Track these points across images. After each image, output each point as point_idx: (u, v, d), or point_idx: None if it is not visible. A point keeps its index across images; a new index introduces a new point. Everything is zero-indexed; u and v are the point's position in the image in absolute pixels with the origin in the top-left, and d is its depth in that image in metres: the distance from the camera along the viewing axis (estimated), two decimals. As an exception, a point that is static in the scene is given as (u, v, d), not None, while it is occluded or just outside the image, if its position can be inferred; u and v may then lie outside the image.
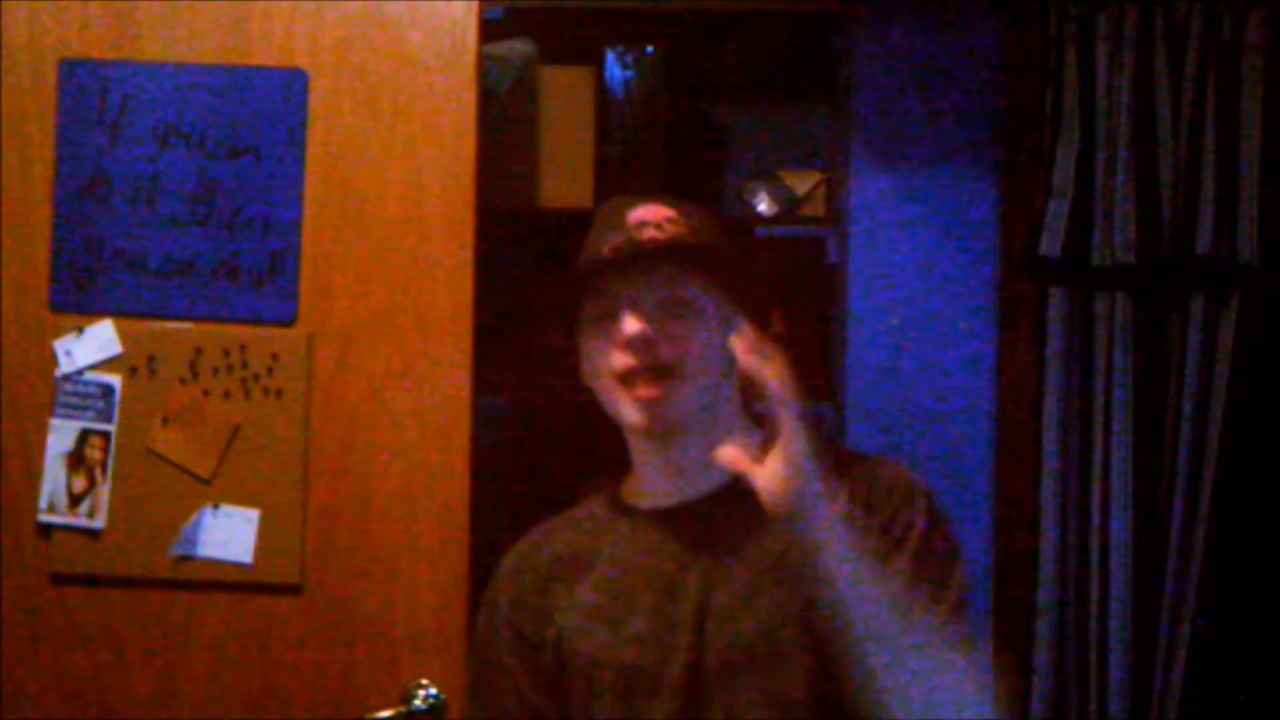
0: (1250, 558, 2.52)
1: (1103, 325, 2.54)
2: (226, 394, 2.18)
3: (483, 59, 2.22)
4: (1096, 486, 2.54)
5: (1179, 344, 2.54)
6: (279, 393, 2.17)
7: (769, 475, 1.28)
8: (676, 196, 1.55)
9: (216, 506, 2.18)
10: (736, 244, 1.57)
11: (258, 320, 2.18)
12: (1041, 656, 2.55)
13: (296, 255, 2.18)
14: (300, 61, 2.19)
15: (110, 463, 2.19)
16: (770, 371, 1.28)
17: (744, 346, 1.28)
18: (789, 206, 2.89)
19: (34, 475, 2.19)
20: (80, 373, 2.19)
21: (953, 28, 2.64)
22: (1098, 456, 2.54)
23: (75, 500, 2.19)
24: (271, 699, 2.17)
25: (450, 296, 2.17)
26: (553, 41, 2.75)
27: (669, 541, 1.50)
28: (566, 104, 2.73)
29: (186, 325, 2.19)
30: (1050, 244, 2.54)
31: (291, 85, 2.18)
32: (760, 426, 1.53)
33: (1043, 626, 2.55)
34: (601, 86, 2.80)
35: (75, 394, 2.19)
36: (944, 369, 2.64)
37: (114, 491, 2.18)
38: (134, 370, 2.19)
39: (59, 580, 2.20)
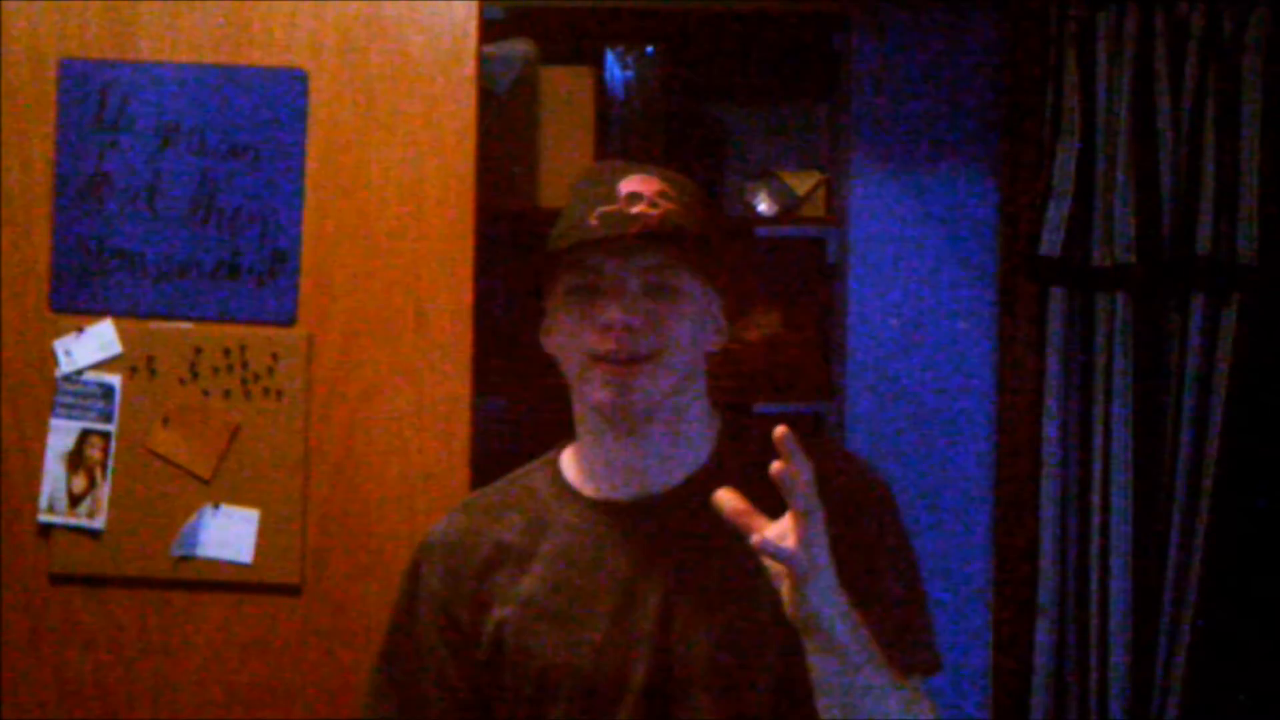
0: (1250, 558, 2.52)
1: (1103, 325, 2.54)
2: (226, 394, 2.18)
3: (483, 59, 2.22)
4: (1096, 486, 2.54)
5: (1179, 344, 2.54)
6: (279, 393, 2.17)
7: (780, 534, 1.23)
8: (660, 167, 1.49)
9: (216, 506, 2.18)
10: (722, 228, 1.52)
11: (258, 320, 2.18)
12: (1041, 656, 2.55)
13: (296, 255, 2.18)
14: (300, 61, 2.19)
15: (110, 463, 2.19)
16: (802, 476, 1.21)
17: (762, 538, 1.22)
18: (789, 206, 2.88)
19: (34, 475, 2.19)
20: (80, 373, 2.19)
21: (953, 28, 2.64)
22: (1098, 456, 2.54)
23: (75, 500, 2.19)
24: (271, 699, 2.17)
25: (450, 296, 2.17)
26: (553, 41, 2.75)
27: (625, 540, 1.44)
28: (566, 104, 2.72)
29: (186, 325, 2.19)
30: (1050, 244, 2.54)
31: (291, 85, 2.18)
32: (723, 418, 1.51)
33: (1043, 626, 2.55)
34: (601, 86, 2.80)
35: (75, 394, 2.19)
36: (944, 369, 2.64)
37: (114, 491, 2.18)
38: (134, 370, 2.19)
39: (59, 580, 2.20)
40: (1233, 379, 2.50)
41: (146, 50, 2.20)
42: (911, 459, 2.63)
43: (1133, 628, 2.52)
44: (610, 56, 2.83)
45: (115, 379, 2.19)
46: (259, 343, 2.18)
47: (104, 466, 2.19)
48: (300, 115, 2.18)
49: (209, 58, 2.19)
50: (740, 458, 1.45)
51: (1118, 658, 2.52)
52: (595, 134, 2.75)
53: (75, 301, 2.20)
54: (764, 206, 2.89)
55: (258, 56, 2.19)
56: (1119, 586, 2.52)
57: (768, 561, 1.25)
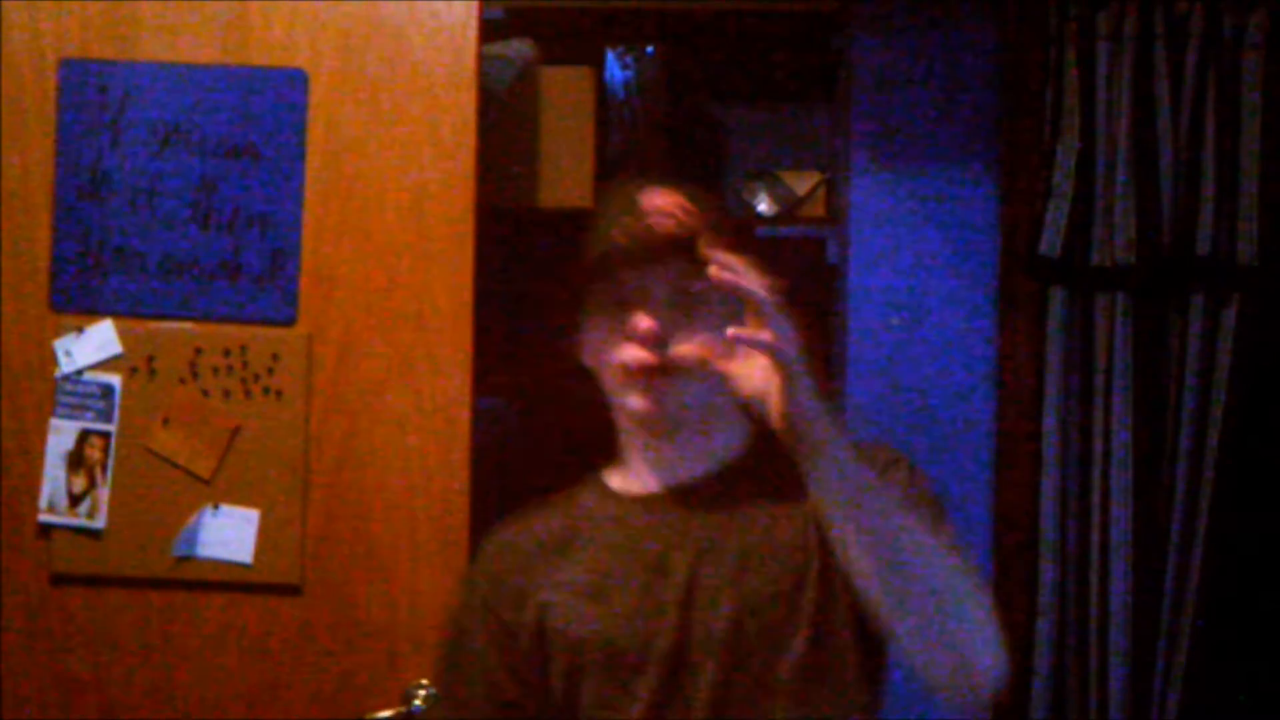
0: (1250, 558, 2.52)
1: (1103, 325, 2.54)
2: (226, 394, 2.18)
3: (483, 59, 2.22)
4: (1096, 486, 2.54)
5: (1179, 344, 2.53)
6: (279, 393, 2.18)
7: (745, 369, 1.31)
8: (684, 184, 1.53)
9: (216, 506, 2.18)
10: (742, 236, 1.56)
11: (258, 320, 2.19)
12: (1041, 656, 2.55)
13: (296, 255, 2.18)
14: (300, 61, 2.19)
15: (110, 463, 2.19)
16: (748, 277, 1.29)
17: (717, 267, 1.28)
18: (789, 206, 2.88)
19: (34, 475, 2.19)
20: (80, 373, 2.19)
21: (953, 27, 2.64)
22: (1098, 456, 2.54)
23: (75, 500, 2.19)
24: (271, 699, 2.17)
25: (450, 296, 2.17)
26: (553, 41, 2.75)
27: (657, 523, 1.51)
28: (566, 104, 2.72)
29: (186, 325, 2.19)
30: (1050, 244, 2.54)
31: (291, 85, 2.18)
32: (754, 422, 1.54)
33: (1043, 626, 2.55)
34: (601, 86, 2.80)
35: (75, 394, 2.19)
36: (944, 369, 2.64)
37: (114, 491, 2.18)
38: (134, 370, 2.19)
39: (59, 580, 2.20)
40: (1233, 379, 2.50)
41: (146, 50, 2.20)
42: (911, 458, 2.62)
43: (1133, 628, 2.52)
44: (610, 56, 2.83)
45: (115, 379, 2.19)
46: (259, 343, 2.18)
47: (104, 466, 2.19)
48: (300, 115, 2.18)
49: (209, 58, 2.19)
50: (772, 450, 1.48)
51: (1118, 658, 2.52)
52: (595, 134, 2.75)
53: (75, 301, 2.20)
54: (764, 206, 2.89)
55: (258, 56, 2.19)
56: (1119, 586, 2.52)
57: (746, 374, 1.29)
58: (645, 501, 1.53)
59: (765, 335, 1.27)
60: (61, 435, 2.19)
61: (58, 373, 2.19)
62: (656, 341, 1.44)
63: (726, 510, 1.48)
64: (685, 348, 1.40)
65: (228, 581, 2.17)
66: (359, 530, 2.18)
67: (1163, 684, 2.53)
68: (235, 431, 2.18)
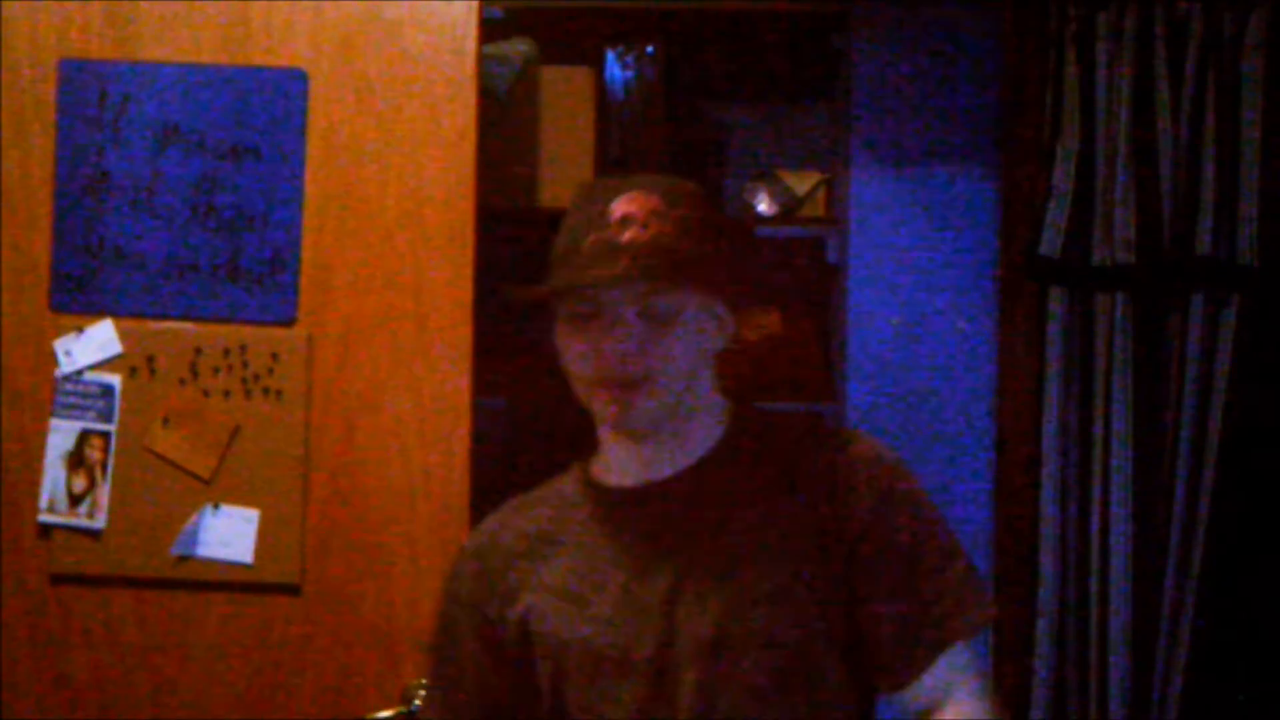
0: (1250, 558, 2.52)
1: (1103, 325, 2.54)
2: (226, 394, 2.18)
3: (483, 59, 2.22)
4: (1096, 486, 2.54)
5: (1179, 344, 2.54)
6: (279, 393, 2.17)
7: None
8: (663, 178, 1.50)
9: (216, 506, 2.18)
10: (721, 233, 1.53)
11: (258, 320, 2.18)
12: (1041, 657, 2.55)
13: (296, 255, 2.18)
14: (300, 61, 2.19)
15: (110, 463, 2.19)
16: None
17: None
18: (789, 206, 2.88)
19: (34, 475, 2.19)
20: (80, 373, 2.19)
21: (953, 28, 2.64)
22: (1097, 456, 2.54)
23: (75, 500, 2.19)
24: (271, 699, 2.17)
25: (450, 296, 2.17)
26: (553, 41, 2.75)
27: (638, 520, 1.49)
28: (566, 104, 2.72)
29: (186, 325, 2.19)
30: (1050, 244, 2.54)
31: (291, 85, 2.18)
32: (734, 407, 1.55)
33: (1043, 626, 2.55)
34: (601, 86, 2.80)
35: (75, 394, 2.19)
36: (944, 369, 2.64)
37: (114, 491, 2.18)
38: (134, 370, 2.19)
39: (59, 580, 2.20)
40: (1233, 379, 2.50)
41: (146, 50, 2.20)
42: (911, 459, 2.61)
43: (1133, 628, 2.52)
44: (610, 56, 2.83)
45: (115, 379, 2.19)
46: (259, 343, 2.18)
47: (104, 466, 2.19)
48: (300, 115, 2.18)
49: (209, 58, 2.19)
50: (746, 444, 1.51)
51: (1118, 658, 2.52)
52: (595, 134, 2.75)
53: (75, 301, 2.20)
54: (764, 206, 2.89)
55: (258, 56, 2.19)
56: (1119, 587, 2.52)
57: None
58: (626, 496, 1.52)
59: None
60: (61, 435, 2.19)
61: (58, 373, 2.19)
62: (623, 358, 1.43)
63: (709, 507, 1.47)
64: None
65: (228, 581, 2.17)
66: (359, 530, 2.18)
67: (1163, 684, 2.53)
68: (235, 431, 2.18)
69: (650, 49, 2.84)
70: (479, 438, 2.20)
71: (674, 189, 1.49)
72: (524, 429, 2.87)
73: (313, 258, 2.18)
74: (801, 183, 2.89)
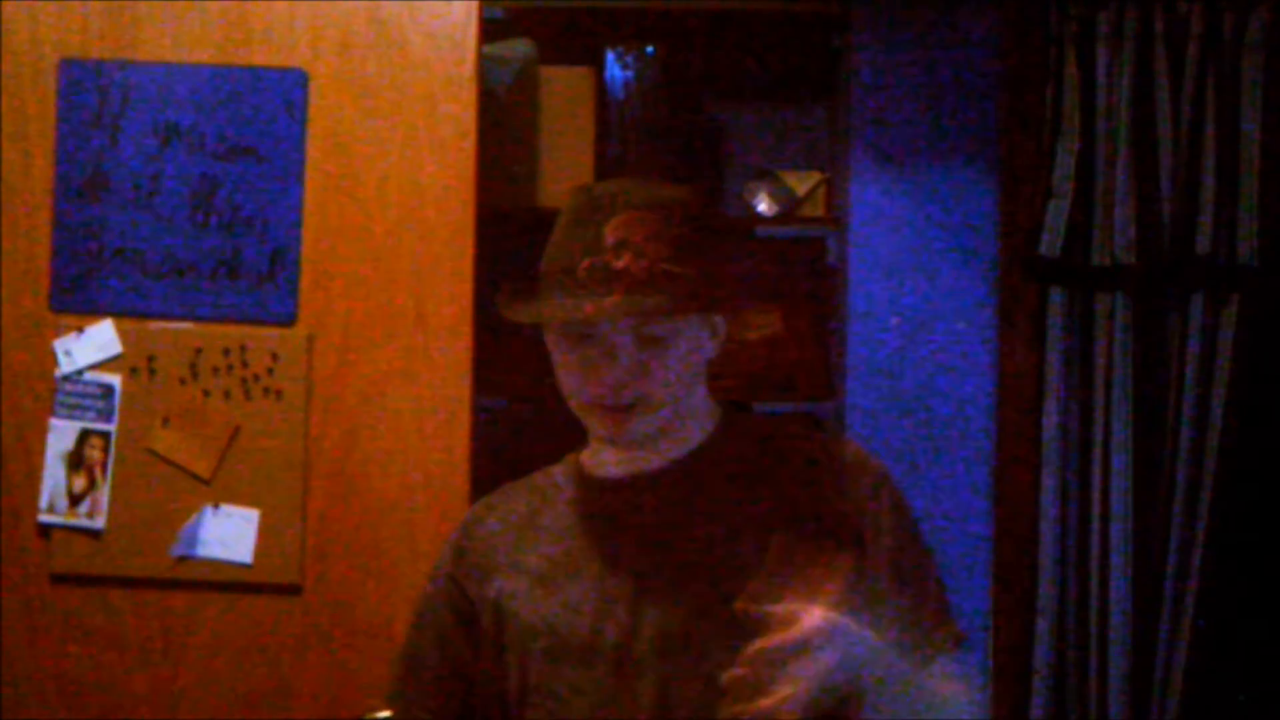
0: (1250, 558, 2.52)
1: (1103, 325, 2.54)
2: (226, 394, 2.18)
3: (483, 59, 2.22)
4: (1096, 486, 2.54)
5: (1179, 344, 2.54)
6: (279, 393, 2.18)
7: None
8: (658, 187, 1.48)
9: (216, 506, 2.18)
10: (719, 243, 1.52)
11: (258, 320, 2.19)
12: (1041, 656, 2.55)
13: (296, 255, 2.18)
14: (300, 61, 2.19)
15: (110, 463, 2.19)
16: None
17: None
18: (789, 206, 2.88)
19: (34, 475, 2.19)
20: (80, 373, 2.19)
21: (953, 28, 2.64)
22: (1098, 456, 2.54)
23: (75, 500, 2.19)
24: (271, 699, 2.17)
25: (450, 296, 2.17)
26: (553, 41, 2.75)
27: (617, 511, 1.51)
28: (566, 104, 2.72)
29: (186, 325, 2.19)
30: (1050, 244, 2.54)
31: (291, 85, 2.18)
32: (722, 409, 1.54)
33: (1043, 626, 2.55)
34: (601, 86, 2.80)
35: (75, 394, 2.19)
36: (944, 369, 2.64)
37: (114, 491, 2.18)
38: (134, 370, 2.19)
39: (59, 580, 2.20)
40: (1233, 379, 2.50)
41: (146, 50, 2.20)
42: (911, 459, 2.63)
43: (1133, 627, 2.52)
44: (610, 56, 2.83)
45: (115, 379, 2.19)
46: (259, 343, 2.18)
47: (104, 466, 2.19)
48: (300, 115, 2.18)
49: (209, 58, 2.19)
50: (733, 444, 1.51)
51: (1118, 658, 2.52)
52: (595, 134, 2.75)
53: (75, 301, 2.20)
54: (764, 206, 2.88)
55: (258, 56, 2.19)
56: (1119, 586, 2.52)
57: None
58: (609, 486, 1.53)
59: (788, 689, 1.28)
60: (61, 435, 2.19)
61: (58, 373, 2.19)
62: (615, 384, 1.43)
63: (688, 502, 1.47)
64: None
65: (228, 581, 2.17)
66: (359, 530, 2.18)
67: (1163, 684, 2.53)
68: (235, 431, 2.18)
69: (650, 49, 2.83)
70: (479, 438, 2.20)
71: (670, 203, 1.46)
72: (524, 429, 2.87)
73: (313, 258, 2.18)
74: (801, 183, 2.89)
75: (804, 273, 2.94)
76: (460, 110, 2.18)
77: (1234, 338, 2.51)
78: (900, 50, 2.65)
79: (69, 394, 2.19)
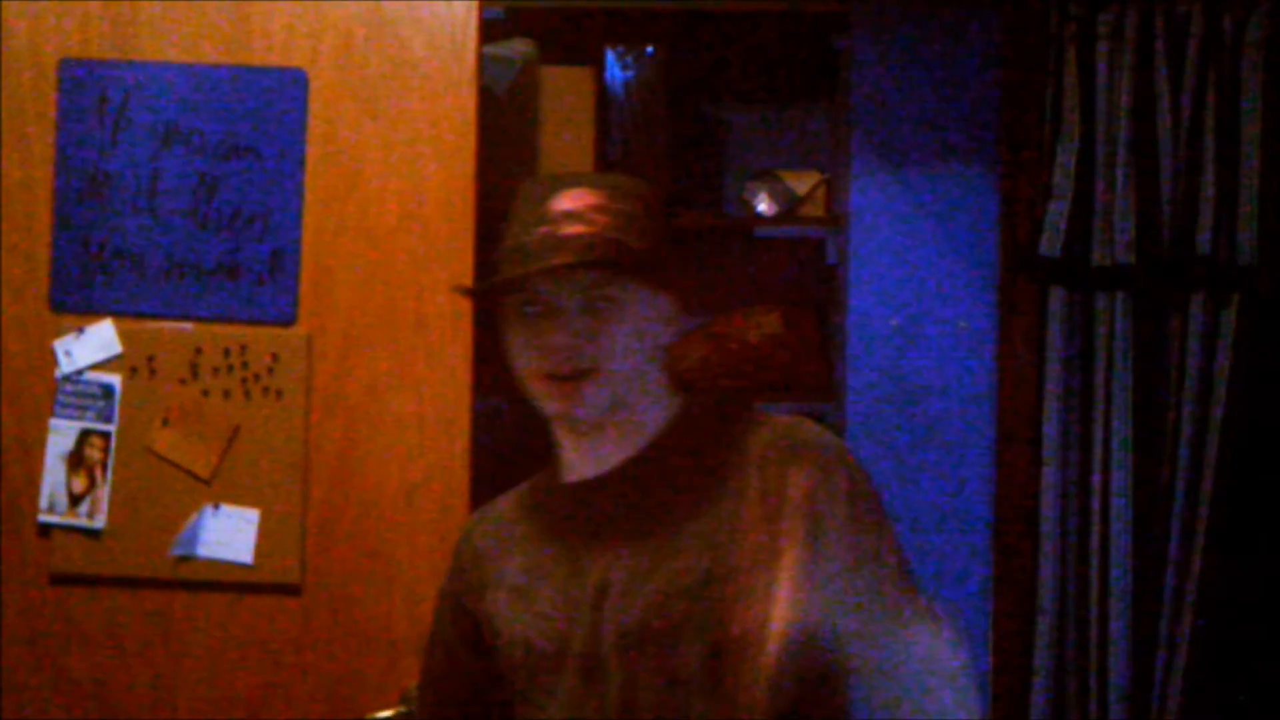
0: (1250, 557, 2.52)
1: (1103, 325, 2.54)
2: (226, 394, 2.18)
3: (483, 59, 2.22)
4: (1096, 486, 2.54)
5: (1179, 344, 2.54)
6: (279, 393, 2.18)
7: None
8: (608, 176, 1.53)
9: (216, 506, 2.18)
10: (661, 226, 1.54)
11: (258, 320, 2.19)
12: (1041, 656, 2.55)
13: (296, 255, 2.18)
14: (300, 61, 2.19)
15: (110, 463, 2.19)
16: None
17: None
18: (789, 206, 2.88)
19: (34, 475, 2.19)
20: (80, 373, 2.19)
21: (953, 28, 2.64)
22: (1098, 456, 2.54)
23: (75, 500, 2.19)
24: (271, 699, 2.17)
25: (450, 296, 2.17)
26: (553, 41, 2.75)
27: (579, 517, 1.52)
28: (566, 104, 2.72)
29: (186, 325, 2.19)
30: (1050, 244, 2.54)
31: (291, 85, 2.18)
32: (682, 400, 1.54)
33: (1043, 626, 2.55)
34: (601, 86, 2.80)
35: (75, 394, 2.19)
36: (944, 369, 2.64)
37: (114, 491, 2.18)
38: (134, 370, 2.19)
39: (59, 580, 2.20)
40: (1233, 379, 2.50)
41: (146, 50, 2.20)
42: (911, 459, 2.63)
43: (1133, 628, 2.52)
44: (610, 56, 2.83)
45: (115, 379, 2.19)
46: (259, 343, 2.18)
47: (104, 466, 2.19)
48: (300, 115, 2.18)
49: (209, 58, 2.19)
50: (690, 435, 1.51)
51: (1118, 658, 2.52)
52: (595, 134, 2.75)
53: (75, 301, 2.20)
54: (764, 206, 2.89)
55: (258, 56, 2.19)
56: (1119, 586, 2.52)
57: None
58: (572, 491, 1.54)
59: None
60: (61, 435, 2.19)
61: (58, 373, 2.19)
62: (566, 352, 1.44)
63: (645, 499, 1.48)
64: None
65: (228, 581, 2.17)
66: (359, 530, 2.18)
67: (1163, 683, 2.53)
68: (235, 431, 2.18)
69: (650, 49, 2.84)
70: (479, 438, 2.20)
71: (618, 185, 1.51)
72: (524, 429, 2.87)
73: (313, 258, 2.18)
74: (801, 183, 2.89)
75: (804, 273, 2.95)
76: (460, 110, 2.18)
77: (1234, 338, 2.50)
78: (900, 50, 2.65)
79: (69, 394, 2.19)
